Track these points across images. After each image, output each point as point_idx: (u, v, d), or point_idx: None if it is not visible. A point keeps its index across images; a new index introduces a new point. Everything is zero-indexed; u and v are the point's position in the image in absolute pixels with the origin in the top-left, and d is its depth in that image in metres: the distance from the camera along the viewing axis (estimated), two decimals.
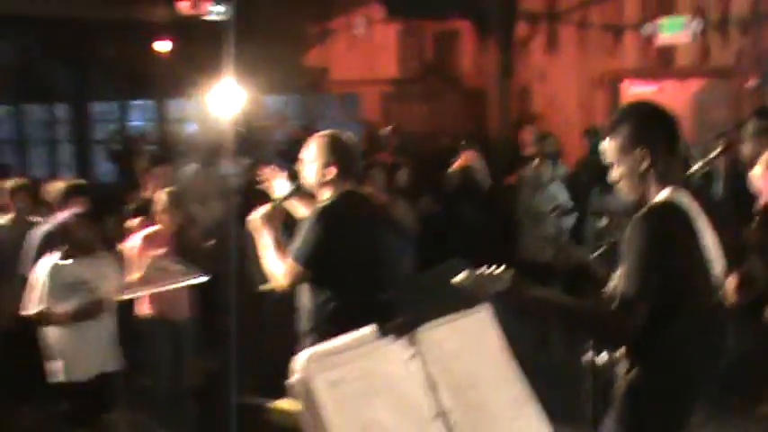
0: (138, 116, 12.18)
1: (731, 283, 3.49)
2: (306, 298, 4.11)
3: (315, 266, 4.01)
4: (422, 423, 2.38)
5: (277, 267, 4.07)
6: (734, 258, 3.35)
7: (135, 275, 5.56)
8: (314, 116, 9.42)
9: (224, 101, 6.74)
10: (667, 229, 3.00)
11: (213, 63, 6.66)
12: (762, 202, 5.69)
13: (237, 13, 6.62)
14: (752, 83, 6.99)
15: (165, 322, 5.76)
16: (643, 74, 9.13)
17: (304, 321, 4.13)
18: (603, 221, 5.59)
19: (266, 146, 8.64)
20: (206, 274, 5.45)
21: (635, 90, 9.26)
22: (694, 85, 8.96)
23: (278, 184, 4.35)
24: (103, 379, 5.30)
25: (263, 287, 5.88)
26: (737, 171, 6.73)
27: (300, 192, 4.27)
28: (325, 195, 4.12)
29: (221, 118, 7.04)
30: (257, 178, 7.11)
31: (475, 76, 10.19)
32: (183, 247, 5.81)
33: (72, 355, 5.30)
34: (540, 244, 7.14)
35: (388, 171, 7.49)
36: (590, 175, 7.37)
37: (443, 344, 2.54)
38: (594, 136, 6.53)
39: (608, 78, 9.32)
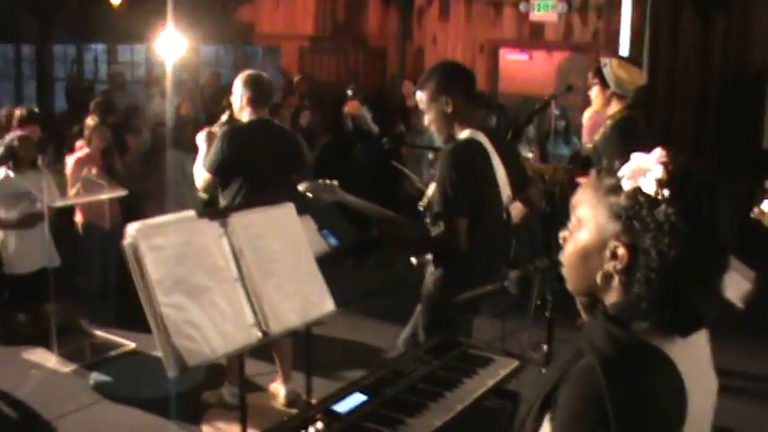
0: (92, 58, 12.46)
1: (516, 207, 3.67)
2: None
3: (220, 174, 4.36)
4: (225, 283, 2.72)
5: (199, 175, 4.48)
6: (519, 187, 3.61)
7: (72, 190, 5.80)
8: (241, 64, 9.63)
9: (167, 47, 7.00)
10: (468, 160, 3.29)
11: (158, 15, 6.88)
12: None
13: None
14: (604, 58, 7.30)
15: (95, 228, 6.02)
16: (518, 44, 9.40)
17: None
18: (430, 156, 5.74)
19: (194, 88, 8.83)
20: (125, 189, 5.69)
21: (510, 57, 9.55)
22: (559, 56, 9.30)
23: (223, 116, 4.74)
24: (42, 274, 5.51)
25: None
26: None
27: (232, 120, 4.59)
28: (244, 119, 4.49)
29: (164, 61, 7.28)
30: (182, 113, 7.42)
31: (378, 37, 10.50)
32: (109, 167, 6.07)
33: (14, 253, 5.61)
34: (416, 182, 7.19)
35: (293, 112, 7.79)
36: None
37: (250, 227, 2.88)
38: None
39: (488, 46, 9.54)
